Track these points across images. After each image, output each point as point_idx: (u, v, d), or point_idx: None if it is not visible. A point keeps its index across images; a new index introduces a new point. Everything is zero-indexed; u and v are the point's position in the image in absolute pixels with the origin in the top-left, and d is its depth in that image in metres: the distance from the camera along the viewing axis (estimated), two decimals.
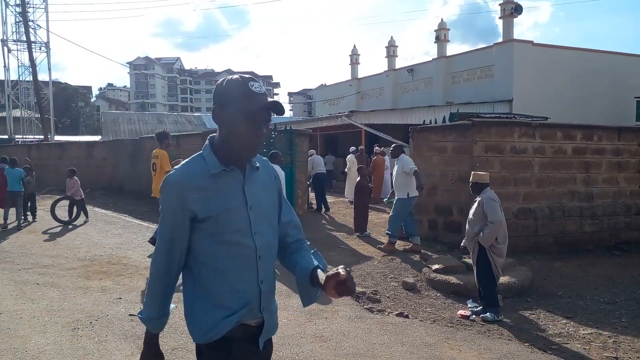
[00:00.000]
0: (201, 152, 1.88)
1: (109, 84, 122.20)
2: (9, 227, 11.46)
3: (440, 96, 24.85)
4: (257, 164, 1.94)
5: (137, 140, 18.69)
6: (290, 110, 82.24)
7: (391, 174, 10.86)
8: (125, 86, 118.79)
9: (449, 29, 26.85)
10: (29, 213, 12.44)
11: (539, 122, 9.69)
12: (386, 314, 5.82)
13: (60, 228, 11.34)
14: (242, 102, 1.77)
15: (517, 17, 22.08)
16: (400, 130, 18.38)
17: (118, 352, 4.50)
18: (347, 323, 5.40)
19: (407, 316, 5.76)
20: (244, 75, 1.86)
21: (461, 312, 5.88)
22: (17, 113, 31.72)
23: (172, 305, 1.99)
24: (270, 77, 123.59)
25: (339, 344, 4.80)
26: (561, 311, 6.03)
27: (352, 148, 16.21)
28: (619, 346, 4.99)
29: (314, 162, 13.83)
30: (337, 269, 1.71)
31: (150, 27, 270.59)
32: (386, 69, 30.46)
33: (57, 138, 32.42)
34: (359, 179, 10.39)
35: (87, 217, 12.28)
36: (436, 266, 7.16)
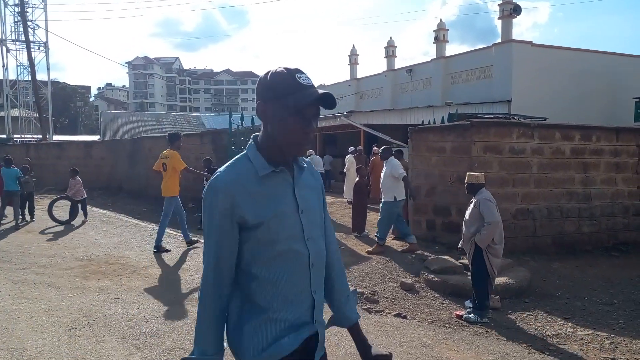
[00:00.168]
0: (245, 152, 1.74)
1: (108, 84, 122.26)
2: (7, 226, 11.46)
3: (439, 96, 24.85)
4: (305, 164, 1.81)
5: (136, 140, 18.69)
6: None
7: None
8: (124, 86, 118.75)
9: (448, 30, 26.85)
10: (27, 213, 12.44)
11: (538, 123, 9.69)
12: (384, 314, 5.82)
13: (58, 228, 11.33)
14: (289, 96, 1.63)
15: (516, 17, 22.08)
16: (399, 130, 18.37)
17: (116, 352, 4.50)
18: None
19: (405, 317, 5.75)
20: (289, 67, 1.69)
21: (457, 312, 5.89)
22: (15, 113, 31.71)
23: (224, 343, 1.76)
24: None
25: (337, 345, 4.80)
26: (559, 312, 6.03)
27: (351, 148, 16.22)
28: (616, 347, 4.99)
29: (313, 162, 13.85)
30: (386, 354, 1.79)
31: (149, 27, 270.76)
32: (385, 69, 30.45)
33: (56, 138, 32.40)
34: (357, 179, 10.40)
35: (86, 217, 12.27)
36: (434, 267, 7.17)
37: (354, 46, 34.22)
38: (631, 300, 6.56)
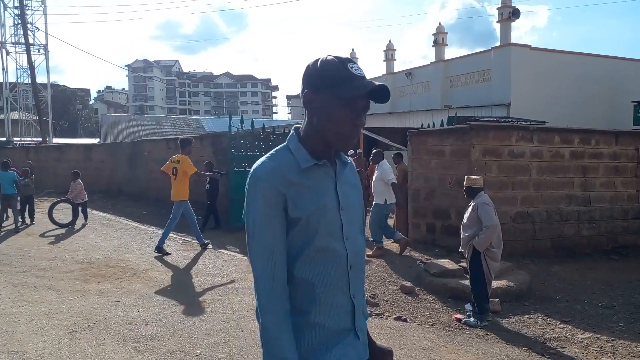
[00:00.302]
0: (286, 143, 1.65)
1: (108, 87, 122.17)
2: (7, 229, 11.46)
3: (438, 100, 24.91)
4: (348, 160, 1.72)
5: (136, 143, 18.70)
6: (288, 113, 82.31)
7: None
8: (123, 89, 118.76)
9: (447, 33, 26.94)
10: (26, 216, 12.44)
11: (537, 126, 9.71)
12: (384, 317, 5.83)
13: (58, 231, 11.33)
14: (340, 86, 1.53)
15: (514, 21, 22.17)
16: (398, 133, 18.40)
17: (116, 356, 4.50)
18: None
19: (405, 320, 5.76)
20: (340, 56, 1.60)
21: (456, 315, 5.90)
22: (15, 115, 31.72)
23: None
24: (269, 80, 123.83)
25: None
26: (559, 315, 6.04)
27: (351, 151, 16.22)
28: (616, 350, 5.00)
29: None
30: (389, 349, 1.79)
31: (149, 30, 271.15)
32: (384, 72, 30.53)
33: (55, 140, 32.39)
34: None
35: (86, 220, 12.27)
36: (434, 270, 7.17)
37: (353, 49, 34.28)
38: (631, 303, 6.57)
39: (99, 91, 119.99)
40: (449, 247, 8.41)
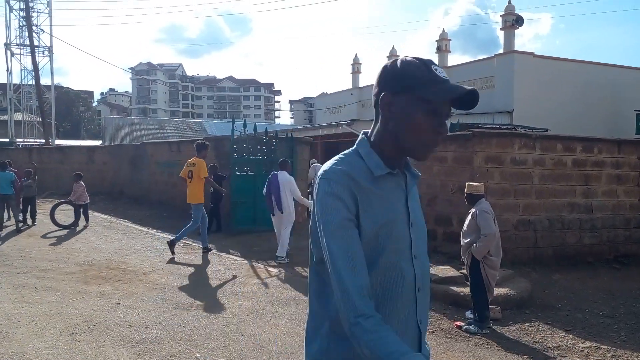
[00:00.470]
0: (355, 148, 1.52)
1: (111, 89, 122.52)
2: (8, 229, 11.48)
3: None
4: (418, 173, 1.59)
5: (138, 146, 18.74)
6: (291, 118, 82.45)
7: None
8: (126, 91, 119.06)
9: (450, 40, 26.98)
10: (28, 216, 12.46)
11: (539, 134, 9.71)
12: None
13: (59, 232, 11.35)
14: (424, 89, 1.40)
15: (518, 28, 22.22)
16: None
17: (116, 358, 4.50)
18: None
19: None
20: (420, 57, 1.48)
21: (457, 322, 5.88)
22: (18, 117, 31.77)
23: None
24: (272, 84, 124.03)
25: None
26: (560, 324, 6.02)
27: None
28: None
29: (316, 170, 13.92)
30: None
31: (153, 33, 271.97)
32: None
33: (58, 142, 32.45)
34: None
35: (87, 222, 12.29)
36: (435, 277, 7.15)
37: (356, 55, 34.36)
38: (632, 313, 6.55)
39: (102, 93, 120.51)
40: (451, 254, 8.39)
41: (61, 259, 8.51)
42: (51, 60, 30.47)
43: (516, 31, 22.23)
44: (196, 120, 48.57)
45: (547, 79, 20.91)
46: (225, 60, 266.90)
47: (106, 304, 6.03)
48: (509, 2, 22.49)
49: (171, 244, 8.84)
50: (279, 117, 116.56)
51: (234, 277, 7.56)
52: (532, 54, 22.05)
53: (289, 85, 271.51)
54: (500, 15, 22.62)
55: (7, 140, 29.98)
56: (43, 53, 30.11)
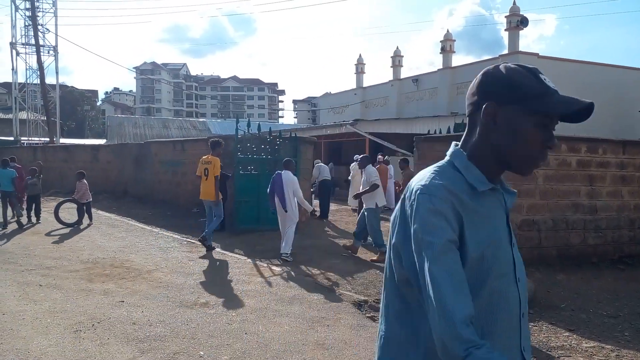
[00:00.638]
0: (448, 160, 1.42)
1: (115, 88, 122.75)
2: (13, 227, 11.52)
3: (445, 106, 24.91)
4: (514, 191, 1.47)
5: (143, 145, 18.79)
6: (294, 117, 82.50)
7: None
8: (131, 91, 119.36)
9: (454, 40, 26.98)
10: (33, 215, 12.52)
11: None
12: None
13: (63, 230, 11.38)
14: (537, 101, 1.30)
15: (522, 29, 22.22)
16: (404, 139, 18.41)
17: (120, 355, 4.51)
18: (349, 331, 5.39)
19: None
20: (524, 64, 1.38)
21: None
22: (23, 115, 31.91)
23: None
24: (276, 84, 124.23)
25: (341, 352, 4.80)
26: (564, 324, 6.00)
27: (357, 156, 16.24)
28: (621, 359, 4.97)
29: (320, 170, 13.91)
30: None
31: (158, 33, 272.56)
32: (391, 78, 30.56)
33: (63, 141, 32.57)
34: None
35: (91, 220, 12.33)
36: None
37: (360, 55, 34.40)
38: (636, 313, 6.52)
39: (106, 93, 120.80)
40: None
41: (65, 256, 8.54)
42: (56, 60, 30.61)
43: (521, 32, 22.23)
44: (200, 120, 48.66)
45: (551, 79, 20.59)
46: (229, 60, 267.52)
47: (110, 302, 6.04)
48: (514, 3, 22.48)
49: (202, 241, 9.10)
50: (282, 117, 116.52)
51: (238, 275, 7.57)
52: (536, 54, 22.05)
53: (293, 85, 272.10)
54: (505, 16, 22.62)
55: (12, 138, 30.12)
56: (48, 52, 30.25)
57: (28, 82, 31.40)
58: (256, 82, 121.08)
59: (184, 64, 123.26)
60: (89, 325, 5.21)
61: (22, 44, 30.32)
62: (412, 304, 1.33)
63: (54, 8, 30.17)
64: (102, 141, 36.20)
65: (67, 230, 11.43)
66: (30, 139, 31.28)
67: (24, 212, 12.36)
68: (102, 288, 6.65)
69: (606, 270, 8.62)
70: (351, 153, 19.02)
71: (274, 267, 8.12)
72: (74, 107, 70.27)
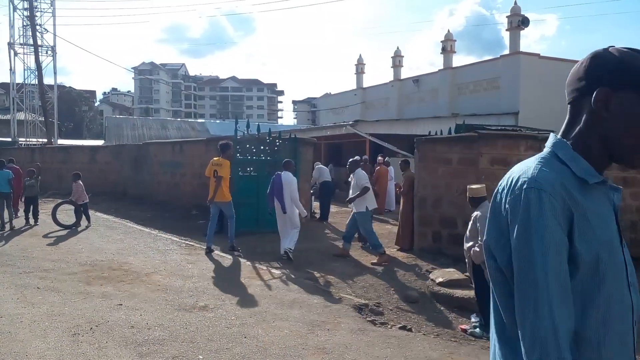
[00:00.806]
0: (550, 151, 1.32)
1: (113, 89, 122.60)
2: (15, 228, 11.47)
3: (445, 107, 24.88)
4: (619, 187, 1.36)
5: (141, 146, 18.73)
6: (294, 118, 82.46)
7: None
8: (129, 91, 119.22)
9: (455, 41, 26.94)
10: (30, 216, 12.45)
11: (546, 136, 9.64)
12: (389, 326, 5.76)
13: (61, 232, 11.31)
14: None
15: (523, 29, 22.20)
16: (404, 140, 18.36)
17: (118, 359, 4.45)
18: (350, 335, 5.33)
19: (410, 330, 5.69)
20: (633, 47, 1.29)
21: (462, 326, 5.83)
22: (21, 116, 31.79)
23: None
24: (275, 84, 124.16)
25: (341, 357, 4.74)
26: None
27: (357, 157, 16.18)
28: None
29: (320, 172, 13.85)
30: None
31: (156, 33, 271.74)
32: (391, 79, 30.53)
33: (61, 142, 32.47)
34: None
35: (89, 221, 12.26)
36: (440, 279, 7.10)
37: (360, 55, 34.37)
38: None
39: (104, 93, 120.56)
40: (456, 257, 8.32)
41: (63, 259, 8.47)
42: (54, 60, 30.48)
43: (522, 32, 22.20)
44: (199, 121, 48.61)
45: (553, 80, 20.82)
46: (228, 60, 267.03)
47: (108, 305, 5.98)
48: (515, 3, 22.46)
49: (232, 249, 9.18)
50: (281, 118, 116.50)
51: (237, 278, 7.51)
52: (537, 55, 22.02)
53: (292, 85, 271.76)
54: (506, 16, 22.61)
55: (10, 139, 30.00)
56: (46, 52, 30.10)
57: (26, 82, 31.26)
58: (255, 83, 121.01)
59: (183, 64, 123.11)
60: (87, 329, 5.15)
61: (20, 44, 30.18)
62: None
63: (52, 8, 30.03)
64: (100, 142, 36.09)
65: (65, 232, 11.36)
66: (28, 139, 31.14)
67: (20, 215, 12.30)
68: (100, 291, 6.59)
69: None
70: (351, 154, 18.97)
71: (273, 270, 8.06)
72: (72, 108, 70.15)
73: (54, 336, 4.95)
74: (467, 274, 7.06)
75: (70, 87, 76.33)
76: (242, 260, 8.71)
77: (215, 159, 9.40)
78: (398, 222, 10.11)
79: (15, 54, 30.02)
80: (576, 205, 1.18)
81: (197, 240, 10.11)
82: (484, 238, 1.31)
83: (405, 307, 6.50)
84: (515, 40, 22.04)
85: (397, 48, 30.92)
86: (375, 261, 8.62)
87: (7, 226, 11.61)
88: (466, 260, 5.93)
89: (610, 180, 1.31)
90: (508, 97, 21.41)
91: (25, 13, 29.26)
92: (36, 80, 29.32)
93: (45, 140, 28.94)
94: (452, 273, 7.34)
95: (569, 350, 1.11)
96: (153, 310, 5.85)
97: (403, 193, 9.81)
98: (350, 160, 9.53)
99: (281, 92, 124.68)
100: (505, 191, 1.25)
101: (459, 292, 6.70)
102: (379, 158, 15.84)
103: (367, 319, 5.94)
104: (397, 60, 30.59)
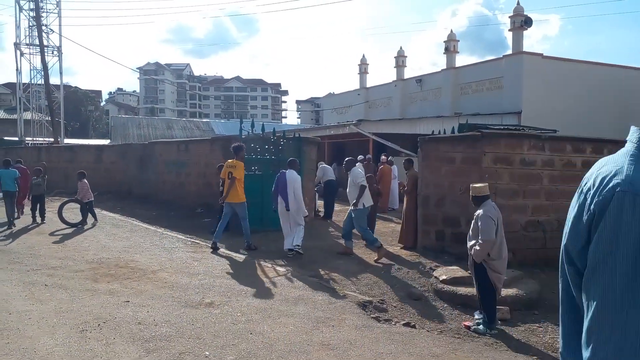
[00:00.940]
0: (638, 145, 1.16)
1: (119, 89, 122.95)
2: (18, 227, 11.57)
3: (448, 107, 24.87)
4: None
5: (147, 145, 18.82)
6: (298, 118, 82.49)
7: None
8: (134, 91, 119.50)
9: (458, 41, 26.91)
10: (37, 215, 12.56)
11: (549, 135, 9.68)
12: (393, 323, 5.81)
13: (68, 230, 11.41)
14: None
15: (526, 29, 22.15)
16: (407, 140, 18.39)
17: (126, 355, 4.52)
18: (354, 332, 5.39)
19: (414, 326, 5.74)
20: None
21: (465, 322, 5.87)
22: (28, 116, 31.97)
23: None
24: (279, 84, 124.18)
25: (346, 353, 4.80)
26: None
27: (360, 157, 16.24)
28: None
29: (324, 171, 13.91)
30: None
31: (161, 34, 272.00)
32: (395, 78, 30.53)
33: (67, 141, 32.63)
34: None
35: (95, 219, 12.38)
36: (443, 277, 7.14)
37: (364, 55, 34.38)
38: None
39: (110, 93, 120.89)
40: (459, 255, 8.37)
41: (70, 256, 8.56)
42: (60, 60, 30.64)
43: (525, 32, 22.17)
44: (204, 120, 48.67)
45: (555, 80, 20.83)
46: (232, 61, 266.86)
47: (115, 302, 6.06)
48: (518, 3, 22.42)
49: (249, 249, 9.31)
50: (285, 117, 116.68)
51: (242, 276, 7.58)
52: (540, 55, 21.98)
53: (296, 85, 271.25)
54: (509, 16, 22.56)
55: (16, 139, 30.19)
56: (52, 53, 30.27)
57: (32, 82, 31.43)
58: (259, 83, 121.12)
59: (187, 65, 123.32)
60: (95, 325, 5.23)
61: (26, 45, 30.36)
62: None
63: (57, 8, 30.18)
64: (106, 141, 36.27)
65: (71, 230, 11.46)
66: (34, 139, 31.31)
67: (27, 214, 12.40)
68: (107, 288, 6.66)
69: None
70: (355, 154, 19.01)
71: (278, 268, 8.12)
72: (78, 108, 70.37)
73: (62, 333, 5.02)
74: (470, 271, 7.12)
75: (76, 87, 76.51)
76: (248, 258, 8.78)
77: (229, 161, 9.57)
78: (401, 220, 10.16)
79: (22, 54, 30.20)
80: None
81: (203, 238, 10.19)
82: (563, 241, 1.24)
83: (409, 304, 6.55)
84: (518, 40, 22.01)
85: (400, 48, 30.91)
86: (376, 258, 8.68)
87: (14, 224, 11.71)
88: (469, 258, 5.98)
89: None
90: (511, 96, 21.39)
91: (31, 14, 29.44)
92: (42, 80, 29.47)
93: (52, 139, 29.10)
94: (456, 271, 7.38)
95: None
96: (160, 307, 5.92)
97: (406, 192, 9.86)
98: (347, 159, 9.61)
99: (285, 92, 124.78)
100: (592, 192, 1.15)
101: (462, 290, 6.74)
102: (382, 157, 15.89)
103: (372, 315, 5.99)
104: (400, 60, 30.58)
